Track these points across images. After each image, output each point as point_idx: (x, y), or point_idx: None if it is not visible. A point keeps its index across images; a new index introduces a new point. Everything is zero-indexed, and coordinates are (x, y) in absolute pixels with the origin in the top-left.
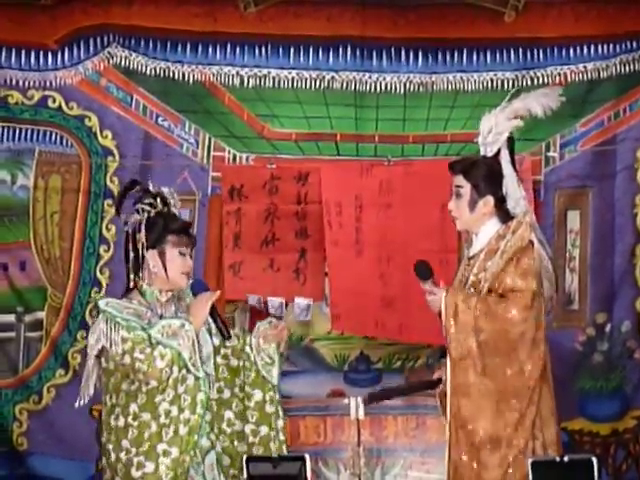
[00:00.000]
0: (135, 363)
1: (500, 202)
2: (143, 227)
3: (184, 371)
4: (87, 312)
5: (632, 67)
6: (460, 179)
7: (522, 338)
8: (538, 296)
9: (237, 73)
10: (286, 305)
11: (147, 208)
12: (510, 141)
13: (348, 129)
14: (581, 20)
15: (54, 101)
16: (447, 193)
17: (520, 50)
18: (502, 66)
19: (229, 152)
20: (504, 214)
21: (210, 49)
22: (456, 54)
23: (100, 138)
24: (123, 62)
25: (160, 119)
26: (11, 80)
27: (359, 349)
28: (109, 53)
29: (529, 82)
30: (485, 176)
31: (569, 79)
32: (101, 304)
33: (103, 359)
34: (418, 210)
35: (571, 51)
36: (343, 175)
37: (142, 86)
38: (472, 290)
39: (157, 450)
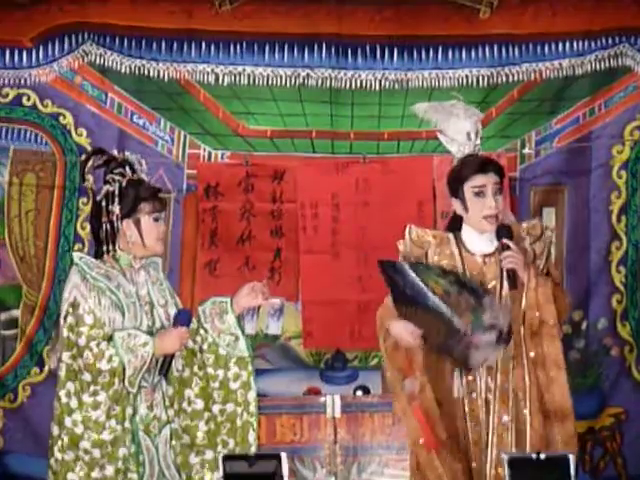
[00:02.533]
0: (84, 350)
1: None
2: (116, 198)
3: (123, 385)
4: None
5: (607, 64)
6: (494, 176)
7: None
8: None
9: (212, 71)
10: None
11: (117, 178)
12: None
13: (323, 126)
14: (558, 15)
15: (28, 99)
16: (423, 190)
17: (495, 47)
18: (477, 63)
19: (204, 150)
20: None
21: (185, 47)
22: (431, 51)
23: (75, 136)
24: (98, 60)
25: (135, 117)
26: None
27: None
28: (84, 51)
29: (504, 79)
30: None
31: (544, 76)
32: (75, 257)
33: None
34: (395, 208)
35: (546, 48)
36: (319, 173)
37: (117, 84)
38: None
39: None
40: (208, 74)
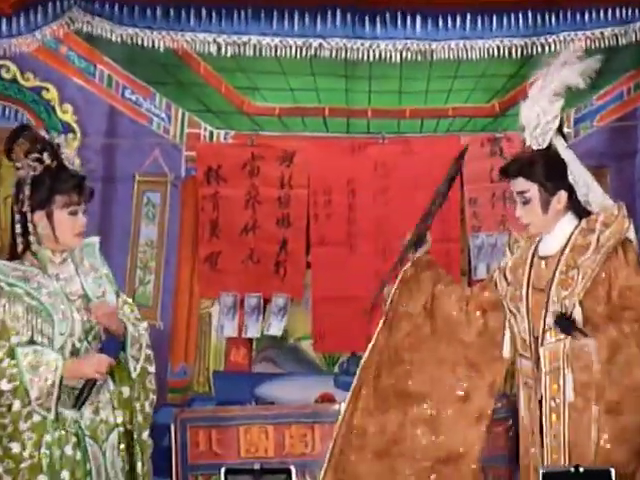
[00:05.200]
0: None
1: (572, 194)
2: (28, 187)
3: (29, 408)
4: None
5: None
6: (521, 183)
7: None
8: None
9: (214, 40)
10: (265, 303)
11: (33, 164)
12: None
13: (338, 103)
14: None
15: (8, 71)
16: None
17: (530, 14)
18: (510, 32)
19: (205, 129)
20: (577, 206)
21: (183, 13)
22: (459, 19)
23: (59, 112)
24: (85, 28)
25: (127, 92)
26: None
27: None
28: (70, 18)
29: (539, 49)
30: (550, 171)
31: (584, 46)
32: None
33: None
34: (418, 194)
35: (587, 15)
36: (332, 155)
37: (107, 55)
38: (560, 289)
39: None
40: (209, 44)
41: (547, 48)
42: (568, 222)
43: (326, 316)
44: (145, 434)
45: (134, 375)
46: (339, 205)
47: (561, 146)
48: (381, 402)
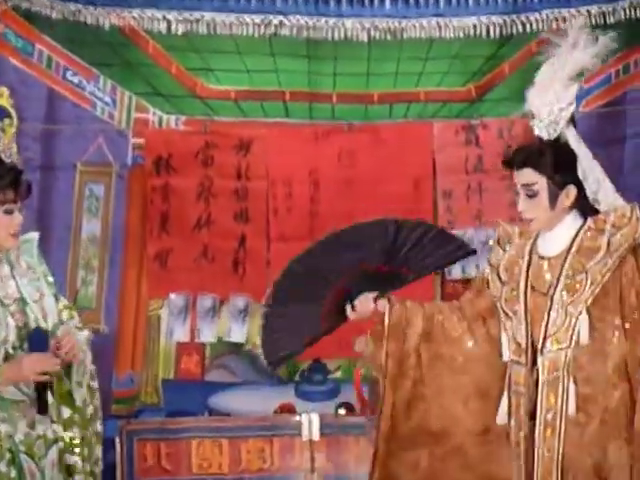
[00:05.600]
0: None
1: (580, 190)
2: None
3: None
4: None
5: None
6: (529, 174)
7: None
8: None
9: (163, 17)
10: (220, 304)
11: None
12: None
13: (299, 86)
14: None
15: None
16: (421, 164)
17: None
18: (487, 9)
19: (154, 114)
20: (585, 203)
21: None
22: None
23: None
24: (23, 4)
25: (69, 74)
26: None
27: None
28: None
29: (520, 28)
30: (560, 163)
31: (569, 24)
32: None
33: None
34: (387, 186)
35: None
36: (294, 143)
37: (47, 33)
38: (566, 295)
39: None
40: (158, 21)
41: (528, 27)
42: (573, 220)
43: None
44: (97, 450)
45: (78, 403)
46: (301, 198)
47: (572, 137)
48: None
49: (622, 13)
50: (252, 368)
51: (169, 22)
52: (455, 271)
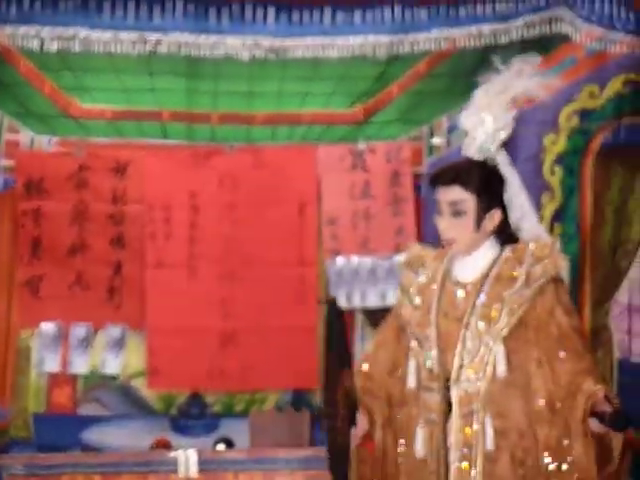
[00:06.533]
0: None
1: (505, 215)
2: None
3: None
4: None
5: (539, 31)
6: (457, 191)
7: None
8: None
9: (36, 34)
10: (95, 333)
11: None
12: None
13: (178, 105)
14: None
15: None
16: (305, 188)
17: (397, 8)
18: (374, 28)
19: (25, 135)
20: (505, 230)
21: (3, 3)
22: (315, 12)
23: None
24: None
25: None
26: None
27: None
28: None
29: (408, 48)
30: (489, 184)
31: (459, 44)
32: None
33: None
34: (270, 211)
35: (462, 10)
36: (172, 166)
37: None
38: (482, 323)
39: None
40: (31, 38)
41: (416, 47)
42: (490, 247)
43: (162, 349)
44: None
45: None
46: (179, 223)
47: (503, 160)
48: None
49: (515, 33)
50: (126, 401)
51: (42, 39)
52: (340, 300)
